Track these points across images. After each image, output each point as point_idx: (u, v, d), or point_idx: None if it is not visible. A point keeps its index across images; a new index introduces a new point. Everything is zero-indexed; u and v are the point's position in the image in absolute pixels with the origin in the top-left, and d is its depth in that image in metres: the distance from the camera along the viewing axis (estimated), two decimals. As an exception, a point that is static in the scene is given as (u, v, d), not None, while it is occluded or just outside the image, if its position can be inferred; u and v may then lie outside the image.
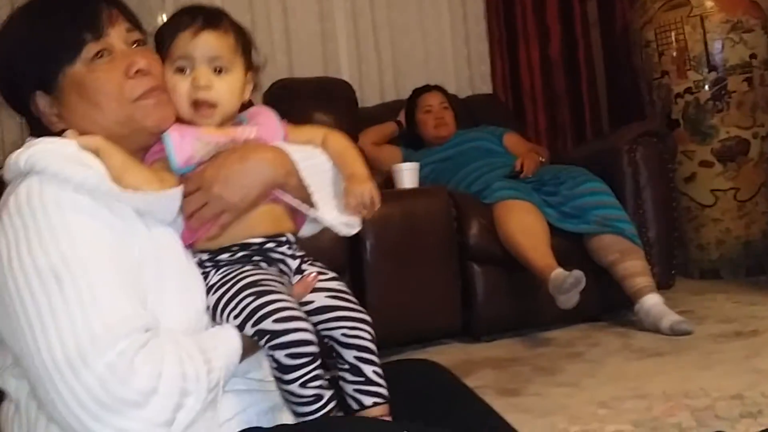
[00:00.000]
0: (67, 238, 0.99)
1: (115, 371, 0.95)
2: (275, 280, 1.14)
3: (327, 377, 1.12)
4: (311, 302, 1.19)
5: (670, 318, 2.86)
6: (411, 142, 3.91)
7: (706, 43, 3.87)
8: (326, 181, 1.26)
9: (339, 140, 1.31)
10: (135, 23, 1.19)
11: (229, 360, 1.08)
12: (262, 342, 1.08)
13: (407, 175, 3.20)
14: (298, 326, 1.08)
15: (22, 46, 1.13)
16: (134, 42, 1.17)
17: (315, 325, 1.18)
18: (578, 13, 4.74)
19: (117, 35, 1.14)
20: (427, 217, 3.07)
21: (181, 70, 1.18)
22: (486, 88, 4.67)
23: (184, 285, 1.12)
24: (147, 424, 0.97)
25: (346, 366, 1.18)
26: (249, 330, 1.09)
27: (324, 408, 1.10)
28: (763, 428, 1.61)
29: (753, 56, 3.88)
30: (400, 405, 1.19)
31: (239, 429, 1.11)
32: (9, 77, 1.16)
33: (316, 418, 1.10)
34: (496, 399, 2.28)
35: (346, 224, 1.26)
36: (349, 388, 1.18)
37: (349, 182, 1.24)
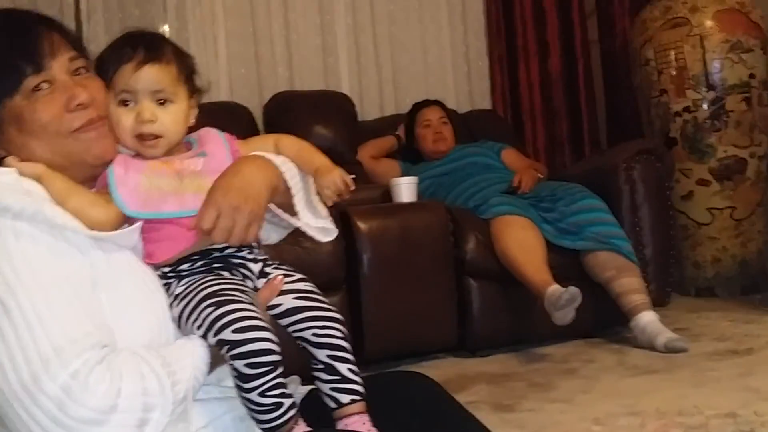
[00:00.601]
0: (9, 266, 1.00)
1: (70, 392, 0.96)
2: (236, 289, 1.14)
3: (288, 390, 1.12)
4: (279, 305, 1.20)
5: (665, 335, 2.86)
6: (409, 156, 3.92)
7: (705, 63, 3.90)
8: (298, 186, 1.27)
9: (292, 141, 1.32)
10: (78, 48, 1.17)
11: (197, 371, 1.09)
12: (223, 352, 1.09)
13: (405, 189, 3.21)
14: (258, 336, 1.08)
15: None
16: (77, 69, 1.15)
17: (285, 327, 1.19)
18: (578, 31, 4.77)
19: (59, 66, 1.12)
20: (425, 231, 3.07)
21: (124, 103, 1.18)
22: (485, 103, 4.70)
23: (143, 299, 1.13)
24: None
25: (321, 366, 1.18)
26: (211, 340, 1.10)
27: (284, 416, 1.10)
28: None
29: (752, 76, 3.90)
30: (388, 417, 1.19)
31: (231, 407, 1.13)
32: None
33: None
34: (490, 414, 2.29)
35: (324, 230, 1.28)
36: (326, 387, 1.18)
37: (318, 174, 1.25)
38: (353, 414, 1.17)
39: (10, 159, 1.09)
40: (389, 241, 2.98)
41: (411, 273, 3.02)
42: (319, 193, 1.28)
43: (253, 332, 1.08)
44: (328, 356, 1.18)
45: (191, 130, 1.27)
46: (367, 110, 4.39)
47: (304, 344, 1.19)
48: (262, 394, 1.09)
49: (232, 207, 1.13)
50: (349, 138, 3.96)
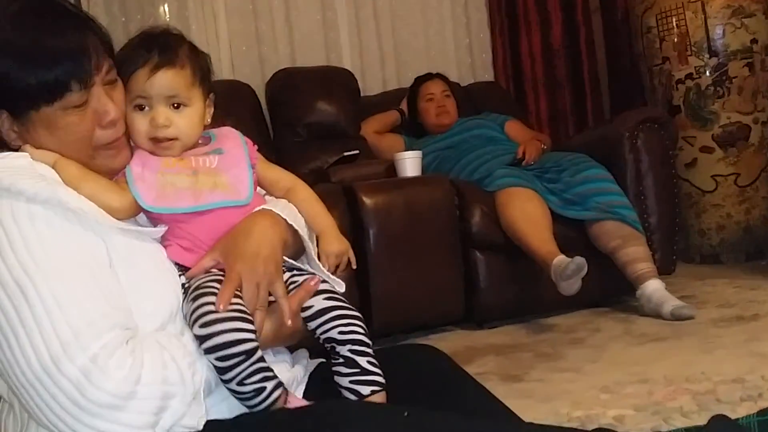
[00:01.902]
0: (25, 249, 1.01)
1: (89, 375, 0.98)
2: (218, 280, 1.15)
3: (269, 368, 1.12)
4: (311, 306, 1.21)
5: (671, 303, 2.88)
6: (413, 130, 3.92)
7: (707, 29, 3.88)
8: (309, 242, 1.30)
9: (307, 192, 1.34)
10: (109, 51, 1.16)
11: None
12: (199, 347, 1.10)
13: (410, 163, 3.21)
14: (222, 328, 1.08)
15: (4, 75, 1.08)
16: (110, 82, 1.15)
17: (314, 330, 1.20)
18: (579, 0, 4.73)
19: (99, 80, 1.12)
20: (430, 205, 3.08)
21: (139, 108, 1.18)
22: (487, 75, 4.68)
23: (161, 277, 1.14)
24: (128, 427, 1.00)
25: (341, 360, 1.19)
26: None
27: (268, 399, 1.10)
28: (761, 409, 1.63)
29: (754, 41, 3.88)
30: (399, 389, 1.21)
31: (229, 407, 1.14)
32: None
33: (308, 405, 1.12)
34: (499, 385, 2.30)
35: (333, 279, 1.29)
36: (345, 381, 1.19)
37: (325, 241, 1.28)
38: None
39: (26, 146, 1.11)
40: (395, 216, 2.99)
41: (417, 247, 3.03)
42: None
43: (216, 325, 1.08)
44: (350, 350, 1.19)
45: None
46: (370, 85, 4.38)
47: (332, 344, 1.20)
48: (240, 383, 1.09)
49: (250, 274, 1.14)
50: (352, 113, 3.96)
